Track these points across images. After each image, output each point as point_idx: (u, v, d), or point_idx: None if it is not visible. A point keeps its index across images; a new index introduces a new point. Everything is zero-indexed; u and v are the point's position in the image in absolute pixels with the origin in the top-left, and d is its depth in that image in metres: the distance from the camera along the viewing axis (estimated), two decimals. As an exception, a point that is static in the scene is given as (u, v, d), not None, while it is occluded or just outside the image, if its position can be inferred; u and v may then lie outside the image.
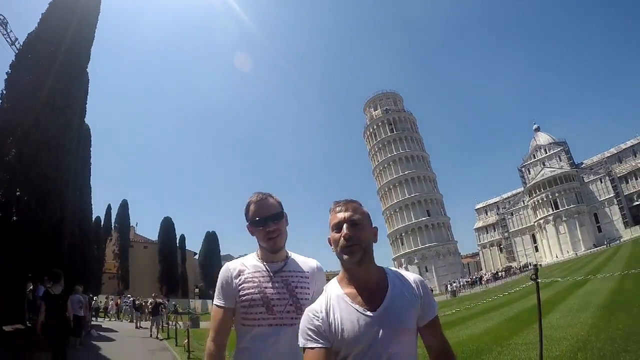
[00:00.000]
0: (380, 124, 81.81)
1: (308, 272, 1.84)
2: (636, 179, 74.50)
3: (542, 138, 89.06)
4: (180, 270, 57.22)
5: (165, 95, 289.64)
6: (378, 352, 1.32)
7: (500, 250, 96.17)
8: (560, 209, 78.45)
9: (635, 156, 77.11)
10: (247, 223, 1.82)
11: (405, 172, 75.90)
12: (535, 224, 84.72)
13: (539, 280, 4.36)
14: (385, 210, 79.33)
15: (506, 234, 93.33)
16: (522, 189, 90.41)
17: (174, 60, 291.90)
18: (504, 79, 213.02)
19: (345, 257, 1.40)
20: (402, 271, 1.54)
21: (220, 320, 1.70)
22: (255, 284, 1.72)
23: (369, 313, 1.36)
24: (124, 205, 54.59)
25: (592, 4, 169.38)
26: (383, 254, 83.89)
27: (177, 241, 59.54)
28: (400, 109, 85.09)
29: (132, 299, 29.79)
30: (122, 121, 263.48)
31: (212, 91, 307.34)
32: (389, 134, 79.83)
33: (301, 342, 1.38)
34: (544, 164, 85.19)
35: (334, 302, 1.41)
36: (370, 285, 1.43)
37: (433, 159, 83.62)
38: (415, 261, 72.57)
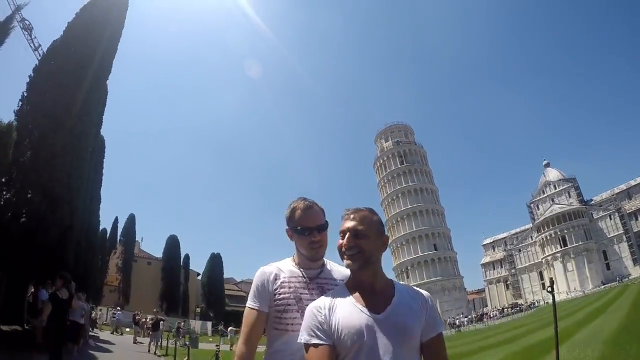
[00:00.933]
0: (390, 155, 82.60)
1: (343, 280, 1.78)
2: (646, 216, 73.43)
3: (552, 174, 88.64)
4: (182, 289, 56.71)
5: (179, 115, 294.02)
6: (375, 355, 1.32)
7: (507, 286, 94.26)
8: (569, 246, 77.17)
9: (646, 192, 76.29)
10: (288, 227, 1.80)
11: (414, 205, 76.05)
12: (543, 260, 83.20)
13: (554, 292, 4.31)
14: (392, 242, 78.70)
15: (513, 271, 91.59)
16: (531, 225, 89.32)
17: (192, 82, 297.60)
18: (515, 114, 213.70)
19: (346, 262, 1.48)
20: (411, 285, 1.59)
21: (253, 323, 1.66)
22: (292, 289, 1.70)
23: (372, 315, 1.38)
24: (131, 220, 54.70)
25: (601, 41, 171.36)
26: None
27: (181, 260, 59.21)
28: (411, 141, 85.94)
29: (120, 312, 29.59)
30: (135, 136, 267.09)
31: (225, 115, 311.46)
32: (399, 166, 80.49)
33: (304, 338, 1.39)
34: (553, 200, 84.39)
35: (338, 301, 1.44)
36: (376, 291, 1.47)
37: (442, 193, 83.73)
38: (420, 295, 71.52)
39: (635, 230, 73.53)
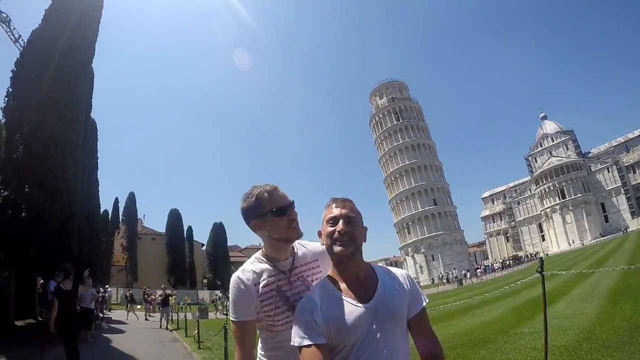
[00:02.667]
0: (386, 112, 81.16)
1: (317, 259, 1.77)
2: (643, 169, 73.86)
3: (549, 127, 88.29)
4: (188, 262, 57.68)
5: (171, 89, 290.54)
6: (372, 341, 1.36)
7: (507, 239, 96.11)
8: (567, 199, 78.06)
9: (643, 145, 76.42)
10: (255, 219, 1.66)
11: (412, 161, 75.37)
12: (542, 213, 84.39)
13: (545, 273, 4.37)
14: (392, 199, 79.18)
15: (513, 223, 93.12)
16: (529, 177, 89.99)
17: (179, 54, 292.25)
18: (511, 67, 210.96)
19: (338, 249, 1.44)
20: (388, 267, 1.60)
21: (242, 335, 1.60)
22: (275, 291, 1.63)
23: (362, 305, 1.40)
24: (131, 198, 54.89)
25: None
26: (390, 243, 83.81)
27: (185, 233, 59.85)
28: (406, 97, 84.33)
29: (108, 288, 29.93)
30: (128, 115, 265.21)
31: (218, 83, 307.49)
32: (395, 122, 79.17)
33: (297, 341, 1.38)
34: (550, 153, 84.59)
35: (327, 298, 1.43)
36: (360, 279, 1.48)
37: (439, 148, 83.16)
38: (422, 250, 72.50)
39: (634, 183, 74.38)
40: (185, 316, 16.69)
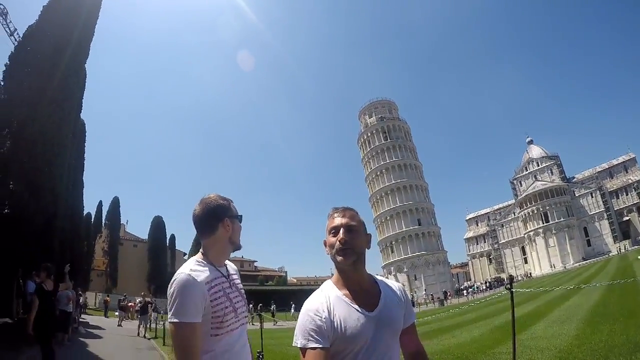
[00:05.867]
0: (374, 131, 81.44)
1: (235, 273, 1.88)
2: (626, 194, 75.33)
3: (535, 151, 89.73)
4: (169, 270, 56.78)
5: (161, 94, 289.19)
6: (374, 349, 1.41)
7: (490, 261, 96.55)
8: (551, 222, 78.99)
9: (627, 172, 78.22)
10: (230, 217, 1.79)
11: (398, 181, 75.51)
12: (525, 236, 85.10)
13: (514, 290, 4.55)
14: (377, 217, 79.00)
15: (496, 245, 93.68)
16: (513, 201, 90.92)
17: (171, 59, 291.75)
18: (499, 92, 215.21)
19: (339, 258, 1.47)
20: (384, 279, 1.66)
21: (194, 340, 1.51)
22: (222, 292, 1.66)
23: (368, 313, 1.44)
24: (115, 203, 54.11)
25: (583, 20, 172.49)
26: (373, 262, 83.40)
27: (167, 241, 59.15)
28: (395, 117, 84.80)
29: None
30: (117, 118, 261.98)
31: (207, 93, 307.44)
32: (383, 141, 79.42)
33: (301, 342, 1.38)
34: (535, 177, 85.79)
35: (334, 303, 1.45)
36: (364, 287, 1.52)
37: (425, 168, 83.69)
38: (405, 269, 72.29)
39: (616, 209, 75.73)
40: (164, 325, 16.40)
